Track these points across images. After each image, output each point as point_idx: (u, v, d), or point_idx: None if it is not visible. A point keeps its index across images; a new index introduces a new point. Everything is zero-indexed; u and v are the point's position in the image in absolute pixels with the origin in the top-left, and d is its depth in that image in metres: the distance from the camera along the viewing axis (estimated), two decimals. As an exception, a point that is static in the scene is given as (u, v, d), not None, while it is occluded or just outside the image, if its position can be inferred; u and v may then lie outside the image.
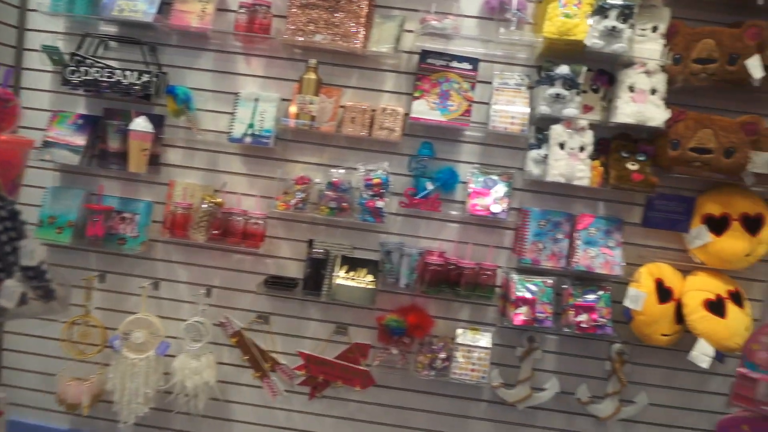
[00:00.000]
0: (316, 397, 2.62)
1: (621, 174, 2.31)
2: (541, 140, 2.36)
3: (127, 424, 2.45)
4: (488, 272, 2.43)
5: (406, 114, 2.42)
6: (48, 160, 2.48)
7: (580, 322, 2.38)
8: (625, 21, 2.17)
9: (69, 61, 2.45)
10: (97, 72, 2.44)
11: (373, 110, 2.41)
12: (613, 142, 2.37)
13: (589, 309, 2.40)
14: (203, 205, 2.40)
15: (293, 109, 2.39)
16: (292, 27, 2.38)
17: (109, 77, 2.43)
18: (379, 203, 2.38)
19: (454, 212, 2.49)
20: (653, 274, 2.41)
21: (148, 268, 2.60)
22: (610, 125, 2.34)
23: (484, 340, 2.46)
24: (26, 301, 1.18)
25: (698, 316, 2.31)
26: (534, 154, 2.36)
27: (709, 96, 2.38)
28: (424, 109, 2.38)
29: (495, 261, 2.49)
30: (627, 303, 2.38)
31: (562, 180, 2.29)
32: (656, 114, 2.24)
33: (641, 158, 2.33)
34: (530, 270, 2.46)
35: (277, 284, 2.48)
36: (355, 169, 2.44)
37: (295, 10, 2.39)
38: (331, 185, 2.39)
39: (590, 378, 2.58)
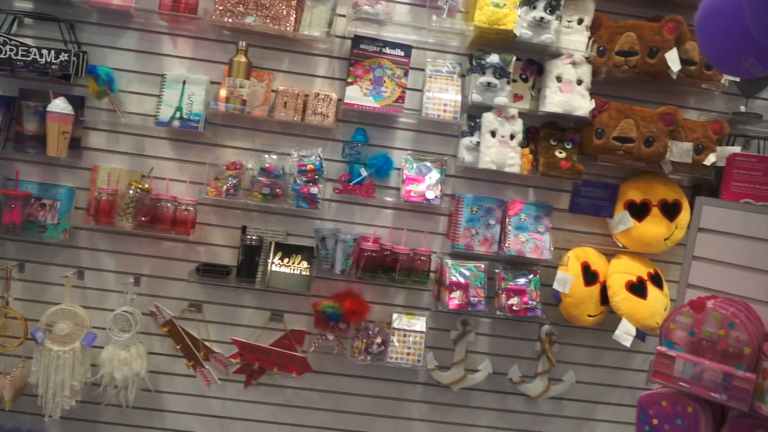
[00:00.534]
0: (252, 385, 2.75)
1: (549, 161, 2.50)
2: (473, 128, 2.52)
3: (52, 418, 2.51)
4: (423, 258, 2.59)
5: (340, 99, 2.52)
6: (-42, 143, 2.45)
7: (512, 305, 2.59)
8: (552, 12, 2.34)
9: (-20, 38, 2.42)
10: (11, 50, 2.42)
11: (306, 95, 2.50)
12: (542, 131, 2.56)
13: (520, 292, 2.61)
14: (130, 191, 2.45)
15: (223, 92, 2.46)
16: (221, 8, 2.43)
17: (24, 56, 2.42)
18: (313, 189, 2.49)
19: (388, 198, 2.64)
20: (580, 258, 2.63)
21: (72, 256, 2.64)
22: (539, 114, 2.54)
23: (419, 324, 2.64)
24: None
25: (621, 298, 2.56)
26: (466, 141, 2.51)
27: (631, 87, 2.61)
28: (358, 95, 2.49)
29: (429, 246, 2.66)
30: (555, 286, 2.61)
31: (493, 167, 2.46)
32: (582, 104, 2.44)
33: (568, 146, 2.53)
34: (463, 255, 2.64)
35: (209, 272, 2.57)
36: (288, 154, 2.54)
37: (224, -11, 2.42)
38: (264, 171, 2.48)
39: (521, 358, 2.81)
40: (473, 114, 2.54)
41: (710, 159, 2.48)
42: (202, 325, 2.69)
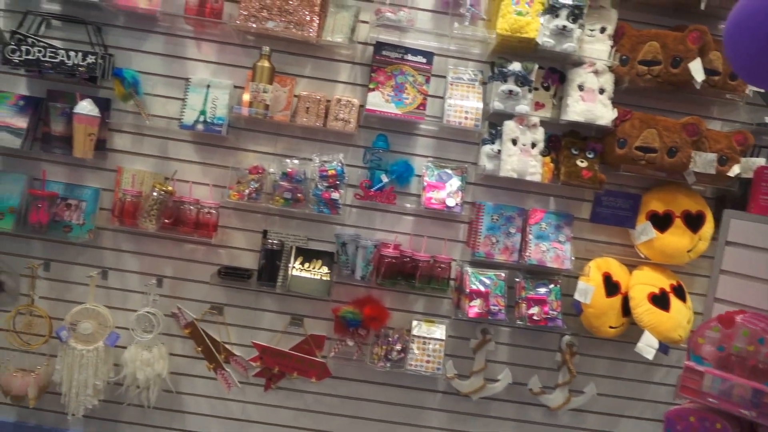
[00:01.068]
0: (271, 389, 2.88)
1: (571, 170, 2.60)
2: (495, 135, 2.62)
3: (75, 417, 2.67)
4: (443, 265, 2.70)
5: (362, 105, 2.65)
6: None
7: (532, 314, 2.69)
8: (574, 21, 2.44)
9: (9, 40, 2.57)
10: (40, 51, 2.57)
11: (328, 101, 2.63)
12: (564, 139, 2.66)
13: (540, 302, 2.70)
14: (153, 193, 2.59)
15: (246, 97, 2.60)
16: (245, 13, 2.56)
17: (52, 57, 2.57)
18: (335, 195, 2.61)
19: (409, 205, 2.76)
20: (601, 269, 2.72)
21: (96, 256, 2.79)
22: (560, 122, 2.64)
23: (439, 331, 2.75)
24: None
25: (644, 309, 2.64)
26: (487, 149, 2.62)
27: (654, 97, 2.71)
28: (380, 101, 2.61)
29: (449, 254, 2.77)
30: (577, 296, 2.70)
31: (514, 175, 2.57)
32: (604, 113, 2.54)
33: (590, 155, 2.62)
34: (484, 263, 2.75)
35: (231, 275, 2.71)
36: (309, 159, 2.67)
37: (248, -5, 2.56)
38: (286, 176, 2.61)
39: (542, 369, 2.91)
40: (494, 122, 2.65)
41: (734, 170, 2.56)
42: (223, 327, 2.83)
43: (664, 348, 2.64)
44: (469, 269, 2.72)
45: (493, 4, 2.60)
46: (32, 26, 2.65)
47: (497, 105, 2.55)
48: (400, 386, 2.91)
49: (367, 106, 2.62)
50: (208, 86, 2.68)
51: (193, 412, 2.89)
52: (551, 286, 2.74)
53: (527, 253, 2.71)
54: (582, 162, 2.62)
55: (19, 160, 2.74)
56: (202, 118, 2.65)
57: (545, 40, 2.47)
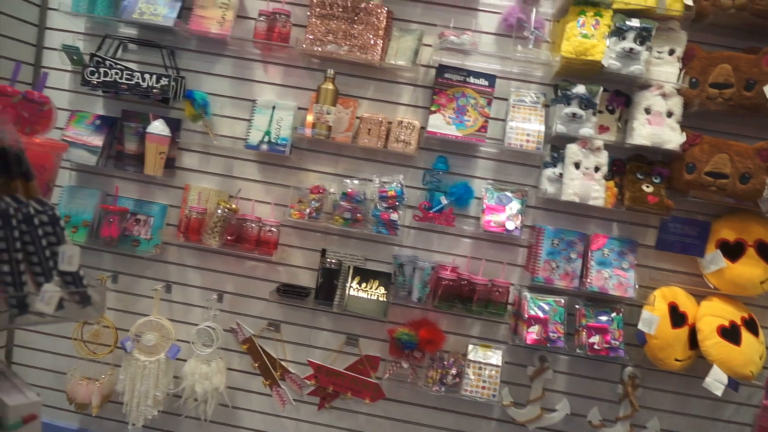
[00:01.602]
0: (325, 408, 2.91)
1: (636, 195, 2.56)
2: (557, 159, 2.62)
3: (135, 426, 2.76)
4: (501, 289, 2.69)
5: (423, 127, 2.70)
6: (65, 159, 2.77)
7: (593, 343, 2.64)
8: (642, 43, 2.42)
9: (89, 62, 2.76)
10: (117, 74, 2.74)
11: (390, 122, 2.69)
12: (629, 164, 2.63)
13: (602, 330, 2.65)
14: (218, 211, 2.69)
15: (310, 118, 2.68)
16: (311, 37, 2.67)
17: (128, 79, 2.73)
18: (393, 215, 2.65)
19: (467, 227, 2.77)
20: (667, 298, 2.65)
21: (161, 270, 2.91)
22: (625, 146, 2.61)
23: (496, 357, 2.72)
24: (63, 306, 1.40)
25: (712, 342, 2.55)
26: (549, 172, 2.62)
27: (725, 121, 2.65)
28: (441, 124, 2.65)
29: (507, 278, 2.76)
30: (641, 326, 2.63)
31: (576, 199, 2.55)
32: (672, 137, 2.50)
33: (656, 180, 2.58)
34: (543, 288, 2.72)
35: (289, 292, 2.77)
36: (370, 180, 2.73)
37: (314, 20, 2.68)
38: (346, 196, 2.67)
39: (602, 401, 2.84)
40: (556, 145, 2.65)
41: (813, 198, 2.47)
42: (279, 344, 2.89)
43: (733, 384, 2.54)
44: (527, 294, 2.69)
45: (558, 27, 2.63)
46: (110, 49, 2.83)
47: (560, 128, 2.55)
48: (455, 411, 2.88)
49: (428, 128, 2.66)
50: (274, 107, 2.78)
51: (248, 427, 2.95)
52: (613, 314, 2.68)
53: (588, 280, 2.66)
54: (648, 187, 2.57)
55: (93, 176, 2.91)
56: (266, 139, 2.75)
57: (611, 62, 2.46)
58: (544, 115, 2.66)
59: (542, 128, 2.63)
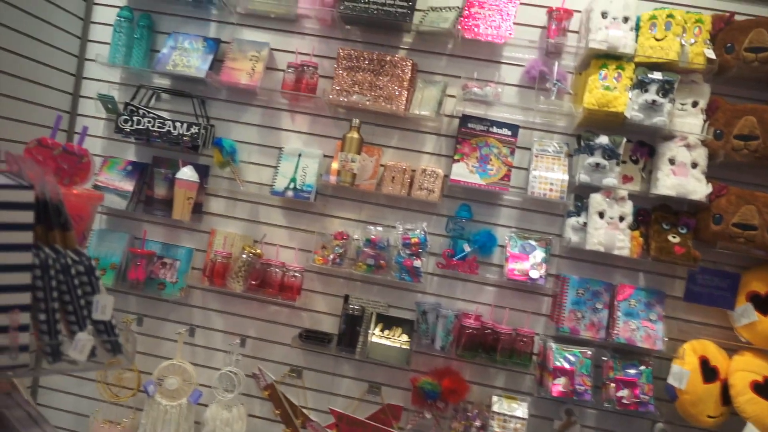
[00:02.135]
0: (343, 458, 2.86)
1: (662, 246, 2.54)
2: (580, 208, 2.63)
3: (155, 472, 2.74)
4: (525, 339, 2.66)
5: (446, 176, 2.73)
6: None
7: (621, 397, 2.58)
8: (665, 95, 2.45)
9: (123, 110, 2.87)
10: (149, 122, 2.84)
11: (413, 170, 2.74)
12: (654, 213, 2.62)
13: (630, 384, 2.59)
14: (243, 255, 2.73)
15: (335, 165, 2.74)
16: (338, 87, 2.75)
17: (160, 127, 2.83)
18: (417, 262, 2.67)
19: (491, 275, 2.77)
20: (697, 352, 2.60)
21: (185, 314, 2.95)
22: (650, 196, 2.61)
23: (521, 409, 2.67)
24: (95, 354, 1.44)
25: (746, 399, 2.48)
26: (573, 221, 2.62)
27: (752, 172, 2.64)
28: (464, 172, 2.69)
29: (532, 327, 2.74)
30: (671, 380, 2.57)
31: (601, 249, 2.54)
32: (697, 188, 2.49)
33: (683, 231, 2.56)
34: (568, 339, 2.69)
35: (311, 338, 2.78)
36: (393, 227, 2.75)
37: (341, 72, 2.76)
38: (369, 242, 2.70)
39: (631, 457, 2.75)
40: (580, 194, 2.66)
41: None
42: (301, 391, 2.88)
43: (769, 442, 2.47)
44: (552, 344, 2.66)
45: (580, 79, 2.67)
46: (144, 99, 2.94)
47: (583, 178, 2.57)
48: (477, 465, 2.83)
49: (452, 177, 2.70)
50: (300, 155, 2.85)
51: (267, 476, 2.92)
52: (642, 367, 2.63)
53: (615, 331, 2.63)
54: (674, 237, 2.56)
55: (123, 220, 2.98)
56: (292, 185, 2.82)
57: (634, 114, 2.49)
58: (568, 165, 2.68)
59: (566, 177, 2.65)
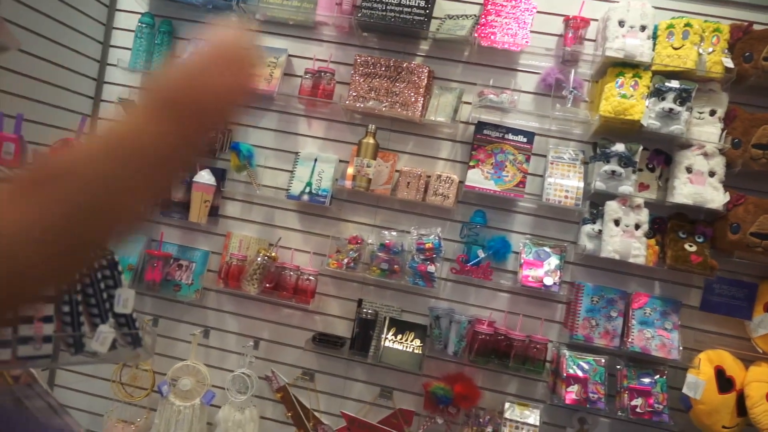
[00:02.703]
0: (354, 462, 2.87)
1: (678, 255, 2.53)
2: (596, 215, 2.63)
3: (167, 472, 2.76)
4: (538, 346, 2.66)
5: (461, 182, 2.75)
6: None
7: (635, 406, 2.56)
8: (682, 104, 2.46)
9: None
10: (169, 127, 2.87)
11: (428, 176, 2.75)
12: (670, 222, 2.62)
13: (644, 393, 2.58)
14: (258, 258, 2.76)
15: (350, 170, 2.77)
16: (354, 94, 2.78)
17: (179, 132, 2.86)
18: (431, 268, 2.68)
19: (505, 282, 2.77)
20: (713, 362, 2.58)
21: (200, 315, 2.98)
22: (666, 204, 2.60)
23: (533, 416, 2.66)
24: (116, 347, 1.47)
25: (762, 409, 2.45)
26: (588, 228, 2.62)
27: (769, 181, 2.60)
28: (479, 178, 2.70)
29: (545, 334, 2.73)
30: (685, 390, 2.55)
31: (616, 257, 2.54)
32: (715, 196, 2.49)
33: (699, 240, 2.55)
34: (582, 347, 2.68)
35: (324, 342, 2.79)
36: (407, 232, 2.77)
37: (357, 78, 2.80)
38: (384, 247, 2.72)
39: (645, 467, 2.72)
40: (596, 201, 2.66)
41: None
42: (313, 394, 2.89)
43: (787, 455, 2.44)
44: (566, 352, 2.65)
45: (596, 87, 2.68)
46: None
47: (599, 185, 2.57)
48: (489, 473, 2.81)
49: (467, 183, 2.71)
50: (316, 160, 2.88)
51: (278, 479, 2.93)
52: (656, 376, 2.61)
53: (630, 339, 2.61)
54: (691, 246, 2.55)
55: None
56: (308, 189, 2.84)
57: (651, 122, 2.49)
58: (583, 172, 2.69)
59: (581, 185, 2.65)
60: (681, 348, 2.59)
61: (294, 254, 2.90)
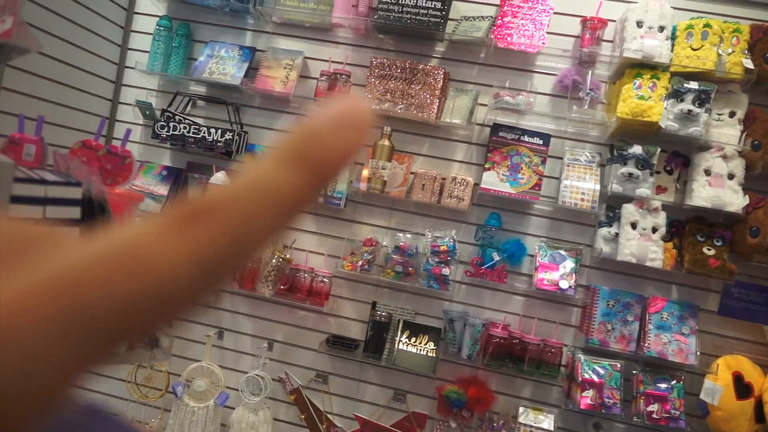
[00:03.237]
0: (367, 465, 2.86)
1: (696, 258, 2.50)
2: (612, 218, 2.61)
3: (181, 472, 2.77)
4: (553, 350, 2.64)
5: (476, 184, 2.74)
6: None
7: (651, 412, 2.54)
8: (701, 105, 2.43)
9: (159, 117, 2.94)
10: (185, 128, 2.91)
11: (444, 178, 2.75)
12: (688, 225, 2.59)
13: (661, 399, 2.55)
14: (272, 260, 2.77)
15: (366, 173, 2.77)
16: (370, 96, 2.78)
17: (195, 133, 2.90)
18: (445, 270, 2.67)
19: (520, 285, 2.76)
20: (731, 367, 2.54)
21: (215, 317, 3.00)
22: (684, 207, 2.57)
23: (547, 421, 2.65)
24: (134, 347, 1.47)
25: (782, 416, 2.41)
26: (604, 231, 2.60)
27: (791, 184, 2.56)
28: (494, 181, 2.69)
29: (561, 338, 2.71)
30: (703, 396, 2.52)
31: (633, 260, 2.51)
32: (734, 199, 2.45)
33: (718, 243, 2.52)
34: (598, 351, 2.66)
35: (338, 344, 2.79)
36: (422, 234, 2.77)
37: (373, 80, 2.80)
38: (398, 249, 2.72)
39: (661, 474, 2.69)
40: (612, 204, 2.64)
41: None
42: (326, 396, 2.89)
43: (807, 464, 2.40)
44: (581, 356, 2.63)
45: (614, 89, 2.67)
46: (180, 105, 3.02)
47: (616, 188, 2.55)
48: (503, 478, 2.79)
49: (482, 185, 2.70)
50: (330, 162, 2.88)
51: (292, 481, 2.93)
52: (673, 382, 2.58)
53: (646, 344, 2.59)
54: (709, 250, 2.52)
55: (156, 223, 3.04)
56: (323, 191, 2.84)
57: (669, 124, 2.47)
58: (600, 175, 2.67)
59: (597, 187, 2.63)
60: (698, 353, 2.56)
61: (308, 256, 2.90)
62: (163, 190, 2.97)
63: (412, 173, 2.82)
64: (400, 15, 2.72)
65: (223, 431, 2.85)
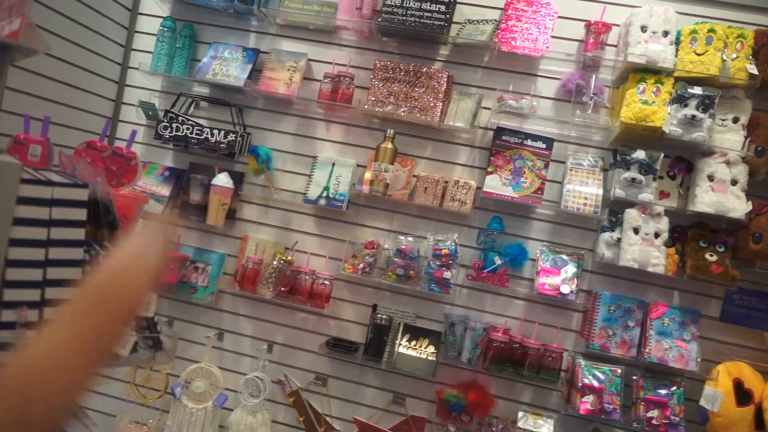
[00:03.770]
0: (366, 468, 2.85)
1: (699, 264, 2.50)
2: (615, 223, 2.60)
3: (179, 473, 2.77)
4: (554, 354, 2.64)
5: (479, 188, 2.74)
6: (135, 208, 2.94)
7: (651, 418, 2.54)
8: (704, 111, 2.43)
9: (162, 117, 2.95)
10: (188, 129, 2.91)
11: (446, 182, 2.75)
12: (691, 231, 2.59)
13: (661, 405, 2.55)
14: (274, 262, 2.77)
15: (368, 175, 2.77)
16: (373, 98, 2.79)
17: (198, 134, 2.90)
18: (446, 274, 2.67)
19: (521, 289, 2.76)
20: (732, 374, 2.54)
21: (215, 318, 3.00)
22: (687, 213, 2.58)
23: (547, 426, 2.65)
24: (137, 350, 1.46)
25: (782, 424, 2.40)
26: (606, 236, 2.60)
27: (794, 191, 2.56)
28: (497, 184, 2.69)
29: (561, 343, 2.72)
30: (703, 402, 2.52)
31: (635, 265, 2.51)
32: (737, 205, 2.45)
33: (720, 249, 2.52)
34: (598, 356, 2.66)
35: (338, 347, 2.80)
36: (424, 238, 2.77)
37: (377, 83, 2.81)
38: (400, 252, 2.72)
39: (661, 481, 2.67)
40: (615, 209, 2.64)
41: None
42: (325, 399, 2.89)
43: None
44: (582, 361, 2.63)
45: (617, 93, 2.67)
46: (183, 106, 3.02)
47: (619, 192, 2.55)
48: (502, 483, 2.78)
49: (485, 189, 2.71)
50: (334, 164, 2.90)
51: (290, 483, 2.93)
52: (673, 388, 2.58)
53: (647, 350, 2.58)
54: (711, 255, 2.51)
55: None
56: (325, 194, 2.85)
57: (672, 129, 2.47)
58: (603, 179, 2.67)
59: (600, 192, 2.63)
60: (699, 359, 2.57)
61: (310, 258, 2.91)
62: (165, 190, 2.98)
63: (414, 176, 2.83)
64: (404, 18, 2.72)
65: (222, 433, 2.84)
